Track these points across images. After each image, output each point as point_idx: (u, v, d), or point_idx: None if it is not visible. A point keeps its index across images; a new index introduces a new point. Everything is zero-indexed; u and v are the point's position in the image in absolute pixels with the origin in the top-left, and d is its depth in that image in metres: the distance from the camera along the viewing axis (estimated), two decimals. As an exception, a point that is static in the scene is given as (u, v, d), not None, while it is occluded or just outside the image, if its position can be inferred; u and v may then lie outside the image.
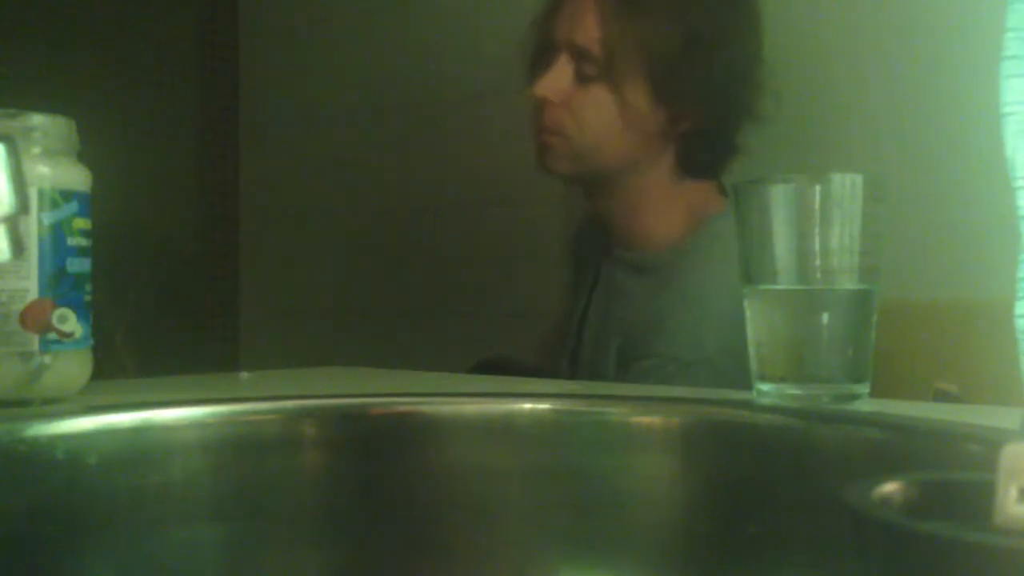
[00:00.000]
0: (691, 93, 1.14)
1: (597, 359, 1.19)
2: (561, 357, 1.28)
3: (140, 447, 0.57)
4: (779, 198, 0.63)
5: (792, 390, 0.62)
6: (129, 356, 2.09)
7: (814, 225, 0.62)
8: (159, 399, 0.60)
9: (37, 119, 0.63)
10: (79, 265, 0.64)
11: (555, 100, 1.16)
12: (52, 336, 0.62)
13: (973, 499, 0.29)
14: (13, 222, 0.52)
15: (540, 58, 1.19)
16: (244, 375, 0.87)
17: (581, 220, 1.35)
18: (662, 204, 1.18)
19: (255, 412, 0.61)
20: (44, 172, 0.63)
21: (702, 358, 1.07)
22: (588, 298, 1.26)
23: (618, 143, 1.16)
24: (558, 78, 1.15)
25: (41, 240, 0.62)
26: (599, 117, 1.15)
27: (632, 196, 1.19)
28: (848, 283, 0.62)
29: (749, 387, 0.64)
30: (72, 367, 0.64)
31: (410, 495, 0.62)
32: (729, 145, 1.19)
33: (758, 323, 0.64)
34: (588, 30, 1.14)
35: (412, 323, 1.95)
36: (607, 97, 1.14)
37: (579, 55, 1.15)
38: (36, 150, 0.63)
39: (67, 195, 0.64)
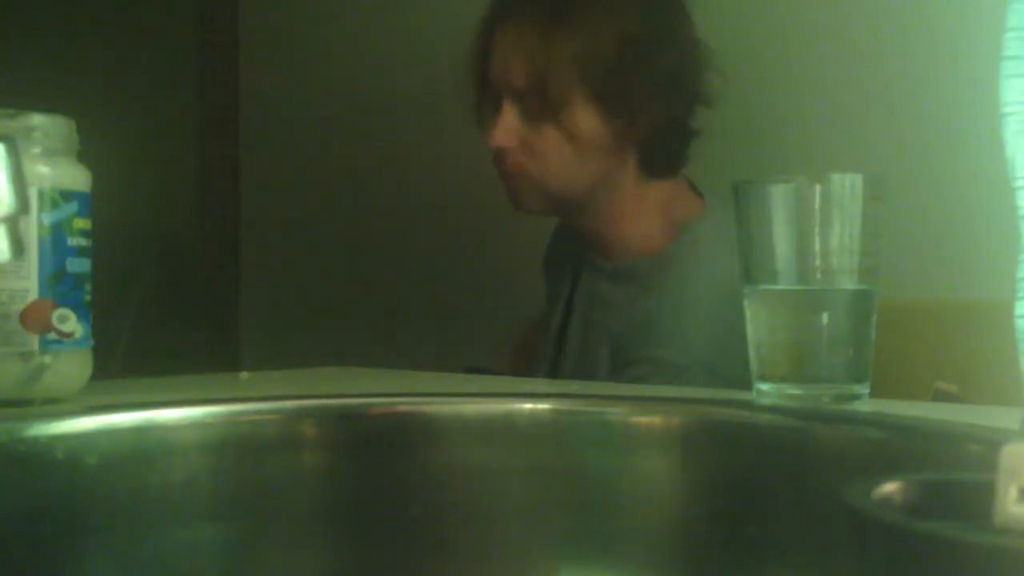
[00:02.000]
0: (638, 97, 1.13)
1: (585, 366, 1.19)
2: (540, 367, 1.27)
3: (140, 447, 0.57)
4: (779, 198, 0.63)
5: (792, 390, 0.62)
6: (129, 356, 2.08)
7: (814, 225, 0.62)
8: (159, 399, 0.60)
9: (37, 119, 0.63)
10: (79, 265, 0.64)
11: (511, 147, 1.15)
12: (52, 336, 0.62)
13: (973, 499, 0.29)
14: (13, 222, 0.52)
15: (484, 104, 1.19)
16: (244, 375, 0.87)
17: (555, 230, 1.35)
18: (635, 210, 1.18)
19: (255, 412, 0.61)
20: (44, 172, 0.63)
21: (699, 361, 1.06)
22: (567, 308, 1.26)
23: (579, 172, 1.15)
24: (507, 125, 1.15)
25: (41, 240, 0.62)
26: (555, 152, 1.14)
27: (605, 210, 1.18)
28: (848, 283, 0.62)
29: (748, 387, 0.64)
30: (72, 367, 0.64)
31: (410, 495, 0.62)
32: (685, 134, 1.19)
33: (758, 323, 0.64)
34: (519, 70, 1.13)
35: (412, 323, 1.95)
36: (556, 132, 1.13)
37: (519, 97, 1.14)
38: (36, 150, 0.63)
39: (67, 195, 0.64)
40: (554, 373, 1.24)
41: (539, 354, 1.29)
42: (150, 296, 2.43)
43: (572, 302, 1.26)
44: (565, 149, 1.14)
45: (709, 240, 1.13)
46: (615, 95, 1.13)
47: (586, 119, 1.13)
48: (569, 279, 1.27)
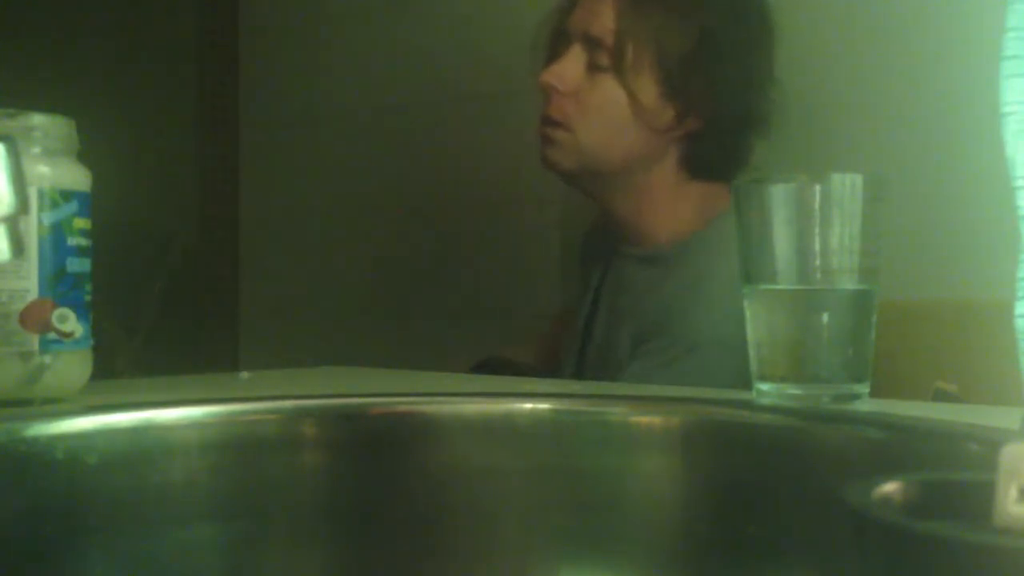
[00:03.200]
0: (699, 92, 1.14)
1: (608, 352, 1.18)
2: (567, 357, 1.27)
3: (140, 447, 0.57)
4: (779, 198, 0.63)
5: (792, 390, 0.62)
6: (130, 356, 2.09)
7: (814, 225, 0.62)
8: (159, 399, 0.60)
9: (37, 119, 0.63)
10: (79, 265, 0.64)
11: (562, 89, 1.15)
12: (52, 336, 0.62)
13: (973, 499, 0.29)
14: (13, 222, 0.52)
15: (553, 50, 1.19)
16: (244, 375, 0.87)
17: (591, 224, 1.35)
18: (668, 204, 1.18)
19: (255, 412, 0.61)
20: (44, 172, 0.63)
21: (713, 339, 1.06)
22: (595, 297, 1.26)
23: (623, 138, 1.16)
24: (569, 67, 1.15)
25: (41, 240, 0.62)
26: (606, 108, 1.15)
27: (636, 196, 1.18)
28: (848, 283, 0.62)
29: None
30: (72, 367, 0.64)
31: (410, 495, 0.62)
32: (735, 150, 1.19)
33: (758, 323, 0.64)
34: (604, 21, 1.14)
35: (412, 323, 1.95)
36: (616, 89, 1.14)
37: (593, 45, 1.15)
38: (36, 150, 0.63)
39: (67, 195, 0.64)
40: (581, 362, 1.24)
41: (565, 345, 1.29)
42: (150, 296, 2.43)
43: (600, 292, 1.25)
44: (618, 108, 1.15)
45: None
46: (679, 83, 1.14)
47: (648, 90, 1.14)
48: (600, 271, 1.27)
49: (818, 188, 0.62)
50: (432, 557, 0.62)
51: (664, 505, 0.60)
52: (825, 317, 0.62)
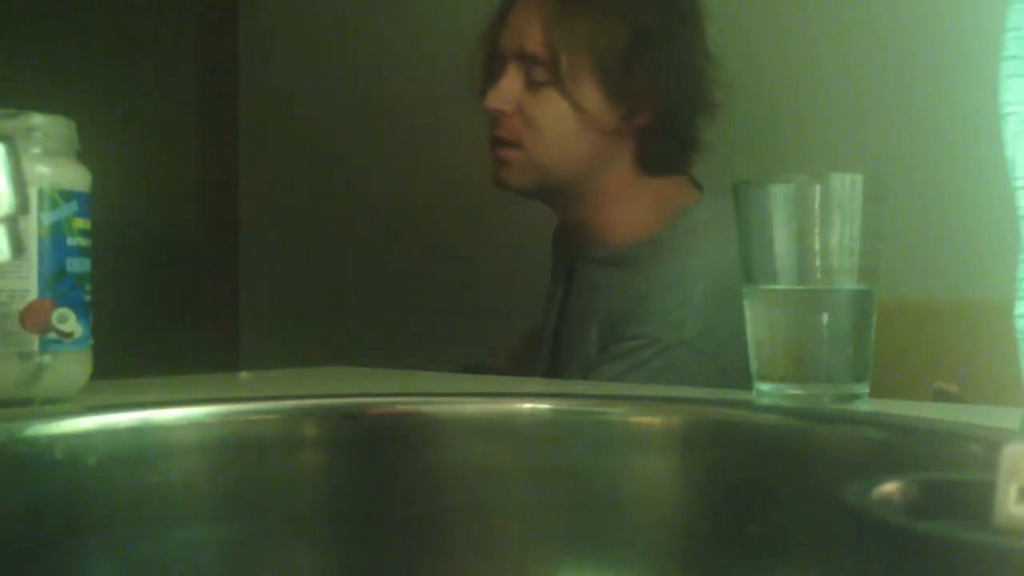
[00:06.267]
0: (643, 89, 1.14)
1: (578, 353, 1.18)
2: (538, 361, 1.27)
3: (140, 447, 0.57)
4: (779, 198, 0.63)
5: (792, 390, 0.62)
6: (129, 356, 2.08)
7: (814, 225, 0.62)
8: (159, 399, 0.60)
9: (37, 119, 0.63)
10: (79, 265, 0.64)
11: (507, 110, 1.15)
12: (52, 336, 0.62)
13: (973, 499, 0.29)
14: (13, 222, 0.52)
15: (489, 72, 1.19)
16: (244, 375, 0.87)
17: (558, 225, 1.35)
18: (627, 202, 1.18)
19: (255, 412, 0.61)
20: (44, 172, 0.63)
21: (682, 340, 1.07)
22: (563, 302, 1.26)
23: (575, 147, 1.15)
24: (509, 88, 1.15)
25: (41, 240, 0.62)
26: (554, 122, 1.15)
27: (595, 200, 1.18)
28: (848, 283, 0.62)
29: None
30: (72, 367, 0.64)
31: (410, 495, 0.62)
32: (687, 139, 1.19)
33: (758, 323, 0.64)
34: (535, 36, 1.14)
35: (411, 323, 1.95)
36: (559, 100, 1.14)
37: (528, 61, 1.14)
38: (36, 150, 0.63)
39: (67, 195, 0.64)
40: (553, 365, 1.24)
41: (538, 349, 1.29)
42: (150, 296, 2.43)
43: (568, 295, 1.25)
44: (564, 119, 1.14)
45: (706, 226, 1.13)
46: (620, 84, 1.14)
47: (590, 96, 1.14)
48: (566, 273, 1.27)
49: (818, 188, 0.62)
50: (432, 557, 0.62)
51: (664, 505, 0.60)
52: (825, 317, 0.62)
